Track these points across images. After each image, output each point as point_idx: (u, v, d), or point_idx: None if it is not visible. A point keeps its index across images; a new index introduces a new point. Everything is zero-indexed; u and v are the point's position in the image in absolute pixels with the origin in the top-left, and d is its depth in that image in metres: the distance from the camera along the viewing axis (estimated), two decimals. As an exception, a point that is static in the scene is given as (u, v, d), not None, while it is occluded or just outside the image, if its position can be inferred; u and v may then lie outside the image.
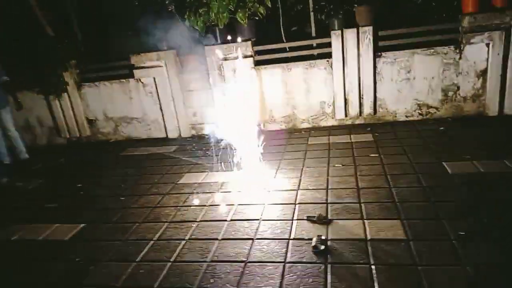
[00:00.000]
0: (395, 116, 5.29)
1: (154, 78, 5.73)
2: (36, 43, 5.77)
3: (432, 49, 4.87)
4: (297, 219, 3.10)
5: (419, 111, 5.20)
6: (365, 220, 2.95)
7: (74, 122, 6.23)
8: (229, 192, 3.79)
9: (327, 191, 3.52)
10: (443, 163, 3.78)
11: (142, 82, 5.81)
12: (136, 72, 5.74)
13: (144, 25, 5.26)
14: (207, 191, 3.87)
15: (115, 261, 2.85)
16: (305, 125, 5.60)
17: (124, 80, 5.89)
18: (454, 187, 3.31)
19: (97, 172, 4.88)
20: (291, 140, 5.15)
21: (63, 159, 5.70)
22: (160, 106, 5.89)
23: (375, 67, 5.10)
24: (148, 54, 5.59)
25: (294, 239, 2.83)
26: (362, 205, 3.19)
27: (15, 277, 2.86)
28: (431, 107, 5.13)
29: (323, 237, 2.73)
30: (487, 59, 4.76)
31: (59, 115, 6.22)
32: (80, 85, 6.09)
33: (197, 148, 5.30)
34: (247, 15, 5.09)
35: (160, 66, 5.64)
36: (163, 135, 6.08)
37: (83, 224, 3.50)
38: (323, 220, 2.99)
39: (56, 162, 5.61)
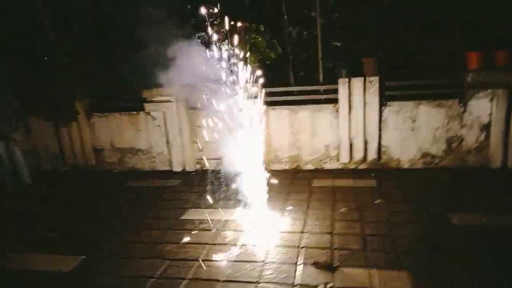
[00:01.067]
0: (399, 164, 5.35)
1: (164, 112, 5.84)
2: (50, 71, 5.92)
3: (437, 101, 5.02)
4: (302, 264, 3.06)
5: (423, 160, 5.26)
6: (371, 269, 2.91)
7: (80, 150, 6.27)
8: (233, 231, 3.77)
9: (332, 236, 3.50)
10: (447, 214, 3.78)
11: (152, 116, 5.92)
12: (147, 106, 5.86)
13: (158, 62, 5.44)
14: (210, 229, 3.84)
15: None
16: (309, 167, 5.64)
17: (134, 113, 6.01)
18: (457, 239, 3.29)
19: (99, 201, 4.85)
20: (295, 181, 5.17)
21: (65, 185, 5.69)
22: (167, 139, 5.96)
23: (380, 115, 5.23)
24: (160, 90, 5.73)
25: (299, 285, 2.79)
26: (367, 252, 3.16)
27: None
28: (435, 156, 5.21)
29: (329, 285, 2.69)
30: (490, 114, 4.89)
31: (66, 143, 6.27)
32: (90, 114, 6.19)
33: (202, 184, 5.31)
34: (258, 58, 5.29)
35: (171, 102, 5.77)
36: (168, 168, 6.10)
37: (83, 256, 3.44)
38: (329, 267, 2.96)
39: (59, 189, 5.58)
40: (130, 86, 6.05)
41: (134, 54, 6.21)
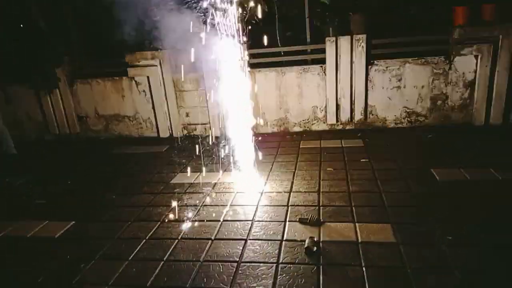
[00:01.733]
0: (385, 123, 5.41)
1: (148, 77, 5.72)
2: (30, 38, 5.70)
3: (423, 58, 5.01)
4: (290, 221, 3.14)
5: (408, 119, 5.32)
6: (357, 223, 3.01)
7: (64, 118, 6.16)
8: (222, 193, 3.82)
9: (319, 194, 3.58)
10: (431, 169, 3.89)
11: (136, 81, 5.80)
12: (130, 71, 5.72)
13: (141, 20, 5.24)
14: (200, 191, 3.89)
15: (107, 259, 2.84)
16: (297, 129, 5.67)
17: (117, 78, 5.87)
18: (442, 194, 3.40)
19: (88, 170, 4.85)
20: (283, 143, 5.20)
21: (51, 154, 5.63)
22: (153, 105, 5.88)
23: (367, 74, 5.21)
24: (143, 53, 5.58)
25: (286, 240, 2.88)
26: (354, 208, 3.26)
27: (3, 277, 2.82)
28: (420, 115, 5.27)
29: (315, 239, 2.78)
30: (476, 71, 4.92)
31: (49, 111, 6.15)
32: (72, 81, 6.03)
33: (189, 149, 5.31)
34: (244, 17, 5.13)
35: (155, 66, 5.64)
36: (155, 135, 6.07)
37: (73, 222, 3.47)
38: (315, 222, 3.05)
39: (45, 158, 5.54)
40: (112, 50, 5.87)
41: (116, 15, 5.98)
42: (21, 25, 5.97)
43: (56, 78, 5.86)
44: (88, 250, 2.97)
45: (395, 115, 5.35)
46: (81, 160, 5.31)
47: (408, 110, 5.28)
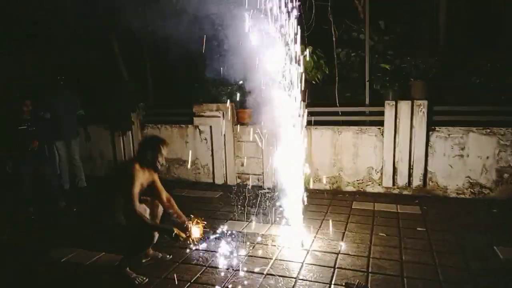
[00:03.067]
0: (446, 192, 5.15)
1: (211, 127, 6.12)
2: (113, 84, 6.47)
3: (488, 129, 4.82)
4: (335, 284, 3.05)
5: (471, 190, 5.03)
6: (407, 296, 2.84)
7: (132, 158, 6.70)
8: (268, 245, 3.83)
9: (368, 259, 3.45)
10: (494, 247, 3.59)
11: (200, 129, 6.22)
12: (196, 120, 6.18)
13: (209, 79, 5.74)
14: (247, 241, 3.93)
15: (153, 297, 2.95)
16: (350, 189, 5.59)
17: (183, 126, 6.35)
18: (504, 273, 3.11)
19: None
20: (334, 202, 5.14)
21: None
22: (212, 152, 6.21)
23: (427, 140, 5.10)
24: (209, 105, 6.03)
25: (330, 304, 2.79)
26: (405, 279, 3.09)
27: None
28: (485, 187, 4.96)
29: (360, 306, 2.66)
30: (548, 145, 4.61)
31: (120, 151, 6.74)
32: (144, 125, 6.63)
33: (241, 197, 5.44)
34: (305, 78, 5.40)
35: (218, 117, 6.03)
36: (210, 181, 6.33)
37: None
38: (362, 289, 2.93)
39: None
40: (181, 100, 6.44)
41: (186, 71, 6.63)
42: (107, 72, 6.83)
43: (131, 122, 6.49)
44: (135, 287, 3.10)
45: (457, 185, 5.09)
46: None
47: (471, 181, 5.01)
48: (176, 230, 3.04)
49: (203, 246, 3.82)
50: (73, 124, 5.87)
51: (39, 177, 5.13)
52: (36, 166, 5.04)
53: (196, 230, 3.35)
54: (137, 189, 3.06)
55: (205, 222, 3.50)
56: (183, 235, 3.11)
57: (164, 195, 3.54)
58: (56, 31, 6.62)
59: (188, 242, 3.40)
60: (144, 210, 3.17)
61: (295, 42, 5.22)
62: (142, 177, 3.14)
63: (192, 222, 3.38)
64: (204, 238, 3.62)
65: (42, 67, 6.91)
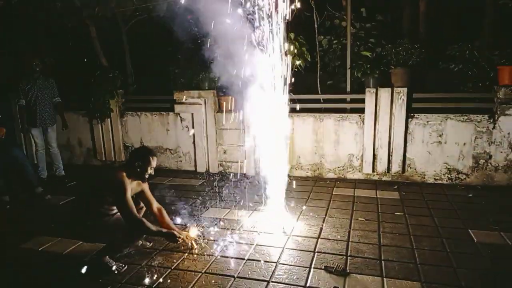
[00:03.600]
0: (424, 178, 5.26)
1: (192, 114, 6.04)
2: (90, 71, 6.29)
3: (466, 115, 4.92)
4: (315, 268, 3.09)
5: (449, 176, 5.15)
6: (384, 278, 2.90)
7: (111, 146, 6.58)
8: (249, 231, 3.84)
9: (347, 244, 3.51)
10: (469, 230, 3.71)
11: (181, 117, 6.14)
12: (177, 107, 6.09)
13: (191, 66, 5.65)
14: (228, 228, 3.94)
15: (130, 284, 2.92)
16: (331, 175, 5.65)
17: (164, 113, 6.25)
18: (478, 256, 3.22)
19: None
20: (315, 188, 5.19)
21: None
22: (194, 140, 6.15)
23: (406, 127, 5.18)
24: (191, 92, 5.95)
25: (310, 287, 2.82)
26: (383, 262, 3.15)
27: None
28: (461, 172, 5.09)
29: (339, 289, 2.71)
30: (522, 132, 4.74)
31: (99, 138, 6.60)
32: (123, 113, 6.50)
33: (223, 185, 5.43)
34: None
35: (200, 104, 5.96)
36: (192, 169, 6.28)
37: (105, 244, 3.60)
38: (341, 272, 2.97)
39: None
40: (162, 88, 6.32)
41: (168, 57, 6.50)
42: (85, 60, 6.64)
43: (110, 109, 6.34)
44: (114, 275, 3.06)
45: (434, 171, 5.20)
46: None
47: (448, 167, 5.13)
48: (177, 234, 3.25)
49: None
50: (50, 111, 5.70)
51: (12, 164, 4.96)
52: (6, 154, 4.85)
53: (193, 230, 3.57)
54: (130, 196, 3.03)
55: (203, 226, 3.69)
56: (183, 236, 3.33)
57: (155, 205, 3.48)
58: (31, 16, 6.39)
59: (189, 244, 3.46)
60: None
61: (278, 30, 5.19)
62: (130, 186, 3.09)
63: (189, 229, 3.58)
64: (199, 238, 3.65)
65: (18, 53, 6.67)
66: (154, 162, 3.21)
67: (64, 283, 2.99)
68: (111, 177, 3.10)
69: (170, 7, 5.55)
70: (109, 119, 6.46)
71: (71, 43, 6.79)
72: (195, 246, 3.47)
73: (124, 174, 3.08)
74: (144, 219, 3.08)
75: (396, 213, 4.22)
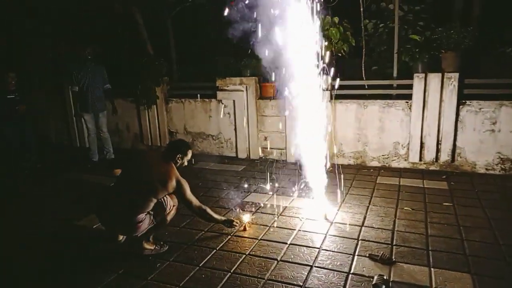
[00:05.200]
0: (474, 167, 5.01)
1: (234, 101, 6.11)
2: (138, 59, 6.52)
3: (523, 102, 4.61)
4: (359, 255, 3.07)
5: (502, 166, 4.87)
6: (432, 268, 2.83)
7: (157, 132, 6.83)
8: (292, 217, 3.87)
9: (393, 233, 3.44)
10: (525, 223, 3.51)
11: (223, 103, 6.23)
12: (219, 94, 6.18)
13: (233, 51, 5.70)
14: (271, 213, 3.99)
15: (180, 262, 3.06)
16: (375, 164, 5.52)
17: (207, 100, 6.37)
18: (537, 251, 3.05)
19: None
20: (358, 176, 5.10)
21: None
22: (235, 127, 6.23)
23: (457, 114, 4.93)
24: (232, 79, 6.01)
25: (354, 274, 2.82)
26: (430, 252, 3.07)
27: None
28: (517, 163, 4.80)
29: (385, 277, 2.68)
30: None
31: (146, 124, 6.87)
32: (168, 99, 6.70)
33: (265, 171, 5.48)
34: (331, 50, 5.29)
35: (241, 91, 6.01)
36: (234, 155, 6.38)
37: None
38: (386, 261, 2.93)
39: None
40: (206, 75, 6.43)
41: (211, 44, 6.59)
42: (133, 48, 6.88)
43: (156, 96, 6.56)
44: (164, 252, 3.22)
45: (486, 160, 4.94)
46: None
47: (502, 157, 4.84)
48: (234, 220, 3.54)
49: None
50: (101, 97, 6.00)
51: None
52: (21, 128, 5.86)
53: (246, 217, 3.72)
54: (189, 189, 3.22)
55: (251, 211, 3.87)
56: (237, 222, 3.56)
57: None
58: (82, 5, 6.69)
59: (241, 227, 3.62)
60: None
61: (322, 13, 5.07)
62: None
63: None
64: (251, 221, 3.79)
65: (70, 41, 7.02)
66: (190, 155, 3.35)
67: (116, 258, 3.18)
68: (166, 175, 3.10)
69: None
70: (155, 105, 6.69)
71: (119, 30, 7.03)
72: (248, 229, 3.61)
73: (175, 168, 3.19)
74: (207, 208, 3.33)
75: (444, 204, 4.07)
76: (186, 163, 3.34)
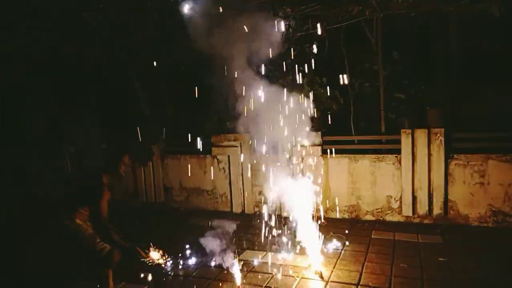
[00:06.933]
0: (468, 220, 5.05)
1: (229, 156, 6.24)
2: (137, 120, 6.73)
3: (509, 155, 4.76)
4: (355, 317, 3.01)
5: (494, 218, 4.91)
6: (429, 330, 2.78)
7: (152, 188, 6.86)
8: (286, 276, 3.82)
9: (388, 291, 3.40)
10: (521, 279, 3.49)
11: (218, 159, 6.35)
12: (214, 150, 6.33)
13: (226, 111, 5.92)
14: (265, 272, 3.93)
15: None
16: (369, 217, 5.53)
17: (202, 156, 6.50)
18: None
19: (166, 237, 5.18)
20: (353, 231, 5.09)
21: (138, 222, 6.15)
22: (230, 181, 6.30)
23: (446, 168, 5.06)
24: (227, 135, 6.19)
25: (350, 337, 2.75)
26: (426, 312, 3.02)
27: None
28: (508, 215, 4.84)
29: None
30: None
31: (141, 181, 6.91)
32: (164, 156, 6.82)
33: (259, 227, 5.44)
34: (320, 108, 5.53)
35: (235, 147, 6.16)
36: (229, 209, 6.38)
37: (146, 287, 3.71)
38: (382, 322, 2.88)
39: (132, 224, 6.05)
40: (200, 132, 6.60)
41: (204, 105, 6.84)
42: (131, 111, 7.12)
43: (152, 153, 6.68)
44: None
45: (479, 213, 4.98)
46: (161, 228, 5.72)
47: (493, 209, 4.90)
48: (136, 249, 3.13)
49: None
50: (96, 155, 6.10)
51: None
52: None
53: (155, 254, 3.27)
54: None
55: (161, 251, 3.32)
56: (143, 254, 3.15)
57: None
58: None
59: (150, 262, 3.23)
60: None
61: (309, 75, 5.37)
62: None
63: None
64: (164, 261, 3.35)
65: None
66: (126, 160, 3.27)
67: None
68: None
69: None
70: (150, 162, 6.79)
71: (118, 100, 7.29)
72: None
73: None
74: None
75: (439, 259, 4.05)
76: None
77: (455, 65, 6.30)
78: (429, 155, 5.12)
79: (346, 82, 5.64)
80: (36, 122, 7.32)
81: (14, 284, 3.16)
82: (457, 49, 6.30)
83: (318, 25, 5.31)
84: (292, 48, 5.40)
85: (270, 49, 4.96)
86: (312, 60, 5.45)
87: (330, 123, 5.85)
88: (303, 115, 5.74)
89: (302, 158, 5.76)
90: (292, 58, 5.40)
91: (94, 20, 5.98)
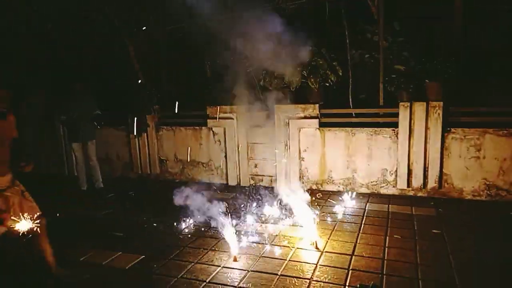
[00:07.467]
0: (461, 194, 5.09)
1: (224, 129, 6.17)
2: (129, 87, 6.60)
3: (506, 130, 4.74)
4: (349, 286, 3.06)
5: (488, 192, 4.96)
6: (422, 299, 2.83)
7: (147, 160, 6.81)
8: (282, 246, 3.85)
9: (383, 262, 3.45)
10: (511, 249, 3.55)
11: (213, 131, 6.29)
12: (209, 122, 6.25)
13: (222, 81, 5.81)
14: (260, 242, 3.96)
15: (169, 296, 3.01)
16: (364, 190, 5.57)
17: (197, 128, 6.42)
18: (525, 279, 3.08)
19: (162, 208, 5.20)
20: (348, 203, 5.12)
21: (133, 192, 6.16)
22: (226, 154, 6.27)
23: (443, 141, 5.05)
24: (223, 107, 6.09)
25: (344, 305, 2.80)
26: (420, 281, 3.07)
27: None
28: (502, 189, 4.88)
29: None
30: None
31: (136, 153, 6.86)
32: (159, 128, 6.73)
33: (254, 199, 5.47)
34: (318, 80, 5.43)
35: (231, 119, 6.09)
36: (224, 182, 6.38)
37: (143, 256, 3.73)
38: (376, 291, 2.93)
39: (127, 194, 6.06)
40: (196, 103, 6.51)
41: (202, 73, 6.71)
42: (125, 77, 6.96)
43: (147, 124, 6.60)
44: (152, 286, 3.16)
45: (473, 187, 5.02)
46: (157, 199, 5.73)
47: (488, 183, 4.94)
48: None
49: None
50: (90, 126, 5.99)
51: None
52: None
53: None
54: None
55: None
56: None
57: None
58: (73, 33, 6.77)
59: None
60: None
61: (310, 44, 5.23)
62: None
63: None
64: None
65: (60, 70, 7.06)
66: None
67: None
68: None
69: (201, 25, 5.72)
70: (145, 133, 6.71)
71: (111, 62, 7.11)
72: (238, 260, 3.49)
73: None
74: None
75: (433, 231, 4.10)
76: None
77: (458, 39, 6.17)
78: (426, 128, 5.09)
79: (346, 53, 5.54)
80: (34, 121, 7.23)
81: None
82: (461, 23, 6.14)
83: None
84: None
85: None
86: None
87: (329, 95, 5.77)
88: (303, 87, 5.67)
89: (299, 131, 5.72)
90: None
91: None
